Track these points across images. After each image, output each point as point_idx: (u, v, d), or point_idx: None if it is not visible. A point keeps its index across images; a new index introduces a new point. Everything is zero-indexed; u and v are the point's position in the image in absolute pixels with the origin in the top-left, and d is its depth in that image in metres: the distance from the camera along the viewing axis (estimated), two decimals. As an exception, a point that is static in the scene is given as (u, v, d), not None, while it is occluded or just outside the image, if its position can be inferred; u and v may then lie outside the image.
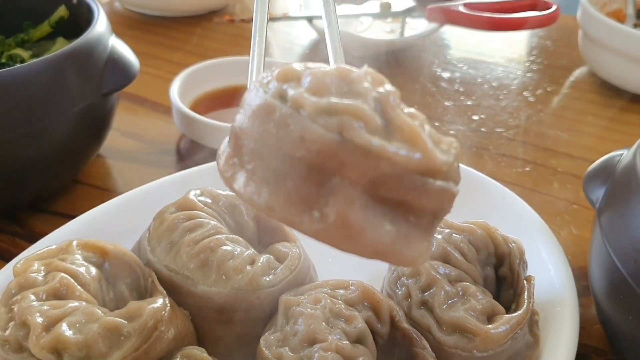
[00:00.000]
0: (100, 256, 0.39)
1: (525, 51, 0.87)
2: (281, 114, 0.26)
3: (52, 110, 0.50)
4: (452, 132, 0.68)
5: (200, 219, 0.42)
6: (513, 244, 0.42)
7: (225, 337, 0.40)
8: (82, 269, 0.37)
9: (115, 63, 0.55)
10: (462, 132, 0.68)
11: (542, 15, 0.78)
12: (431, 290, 0.39)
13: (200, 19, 0.90)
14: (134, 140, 0.66)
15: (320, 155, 0.25)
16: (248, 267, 0.39)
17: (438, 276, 0.39)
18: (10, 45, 0.63)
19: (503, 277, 0.42)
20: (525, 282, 0.41)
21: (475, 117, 0.71)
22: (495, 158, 0.65)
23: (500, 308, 0.39)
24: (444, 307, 0.39)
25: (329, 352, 0.34)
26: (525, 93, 0.76)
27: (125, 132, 0.66)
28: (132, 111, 0.70)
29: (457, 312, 0.38)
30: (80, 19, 0.61)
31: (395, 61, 0.81)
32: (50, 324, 0.34)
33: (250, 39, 0.37)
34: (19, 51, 0.62)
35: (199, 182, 0.46)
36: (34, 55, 0.62)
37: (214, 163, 0.43)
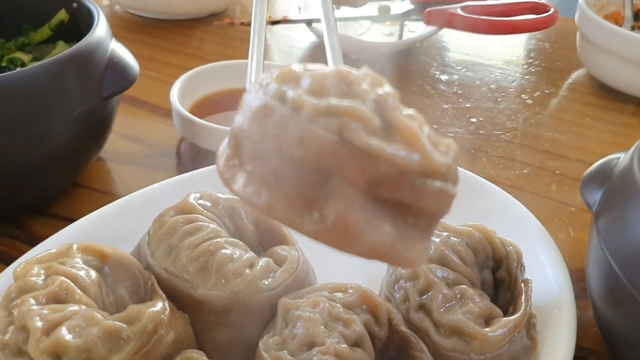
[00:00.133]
0: (100, 260, 0.39)
1: (523, 53, 0.87)
2: (281, 116, 0.26)
3: (52, 114, 0.50)
4: (450, 134, 0.69)
5: (199, 223, 0.42)
6: (510, 247, 0.42)
7: (224, 340, 0.40)
8: (82, 273, 0.37)
9: (115, 67, 0.55)
10: (461, 135, 0.69)
11: (540, 18, 0.79)
12: (429, 294, 0.39)
13: (200, 21, 0.90)
14: (134, 143, 0.66)
15: (319, 156, 0.25)
16: (247, 271, 0.39)
17: (436, 279, 0.40)
18: (11, 48, 0.63)
19: (501, 280, 0.42)
20: (522, 285, 0.41)
21: (473, 120, 0.71)
22: (494, 160, 0.65)
23: (498, 311, 0.39)
24: (441, 310, 0.39)
25: (328, 356, 0.34)
26: (523, 95, 0.76)
27: (126, 135, 0.66)
28: (132, 114, 0.70)
29: (454, 315, 0.38)
30: (81, 23, 0.61)
31: (394, 64, 0.81)
32: (50, 328, 0.34)
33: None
34: (19, 54, 0.63)
35: (198, 185, 0.47)
36: (34, 59, 0.62)
37: (213, 166, 0.43)
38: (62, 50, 0.57)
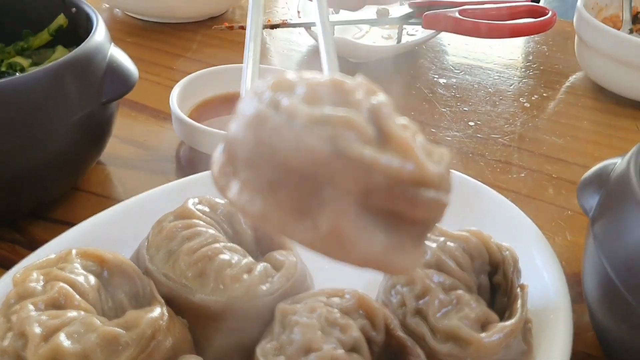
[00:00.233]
0: (99, 265, 0.40)
1: (521, 57, 0.87)
2: (275, 124, 0.26)
3: (51, 118, 0.51)
4: (448, 138, 0.69)
5: (198, 228, 0.42)
6: (507, 252, 0.42)
7: (222, 345, 0.40)
8: (81, 278, 0.38)
9: (114, 72, 0.55)
10: (459, 138, 0.69)
11: (538, 21, 0.79)
12: (425, 299, 0.40)
13: (200, 25, 0.90)
14: (134, 147, 0.66)
15: (313, 165, 0.25)
16: (245, 276, 0.40)
17: (432, 285, 0.40)
18: (10, 53, 0.64)
19: (497, 284, 0.42)
20: (519, 290, 0.41)
21: (471, 123, 0.71)
22: (491, 164, 0.65)
23: (494, 316, 0.40)
24: (438, 315, 0.39)
25: (324, 361, 0.35)
26: (521, 99, 0.77)
27: (125, 139, 0.67)
28: (132, 118, 0.70)
29: (451, 320, 0.38)
30: (80, 27, 0.61)
31: (392, 67, 0.81)
32: (49, 334, 0.34)
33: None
34: (19, 59, 0.63)
35: (197, 190, 0.47)
36: (33, 64, 0.63)
37: (211, 171, 0.44)
38: (61, 55, 0.57)
